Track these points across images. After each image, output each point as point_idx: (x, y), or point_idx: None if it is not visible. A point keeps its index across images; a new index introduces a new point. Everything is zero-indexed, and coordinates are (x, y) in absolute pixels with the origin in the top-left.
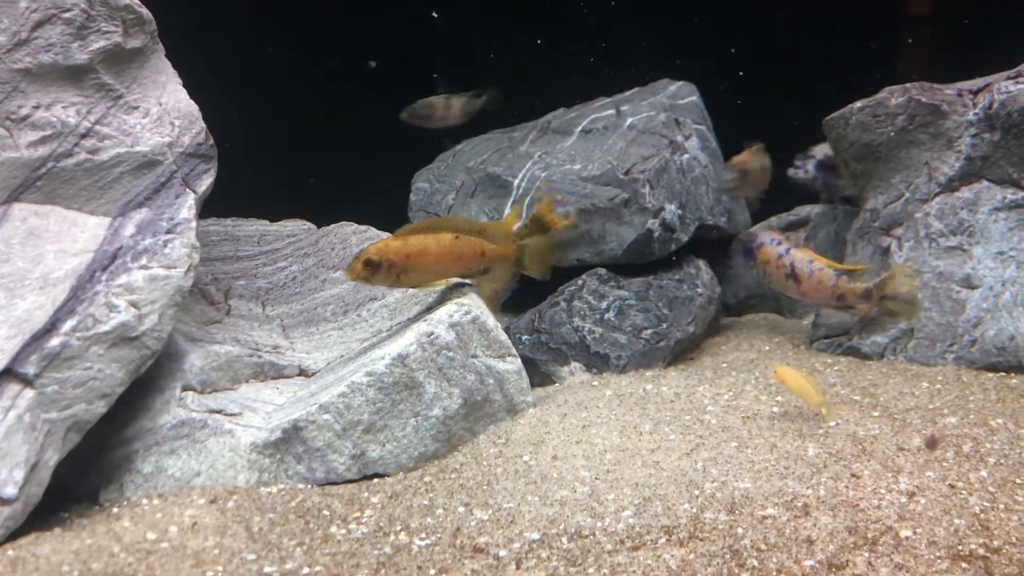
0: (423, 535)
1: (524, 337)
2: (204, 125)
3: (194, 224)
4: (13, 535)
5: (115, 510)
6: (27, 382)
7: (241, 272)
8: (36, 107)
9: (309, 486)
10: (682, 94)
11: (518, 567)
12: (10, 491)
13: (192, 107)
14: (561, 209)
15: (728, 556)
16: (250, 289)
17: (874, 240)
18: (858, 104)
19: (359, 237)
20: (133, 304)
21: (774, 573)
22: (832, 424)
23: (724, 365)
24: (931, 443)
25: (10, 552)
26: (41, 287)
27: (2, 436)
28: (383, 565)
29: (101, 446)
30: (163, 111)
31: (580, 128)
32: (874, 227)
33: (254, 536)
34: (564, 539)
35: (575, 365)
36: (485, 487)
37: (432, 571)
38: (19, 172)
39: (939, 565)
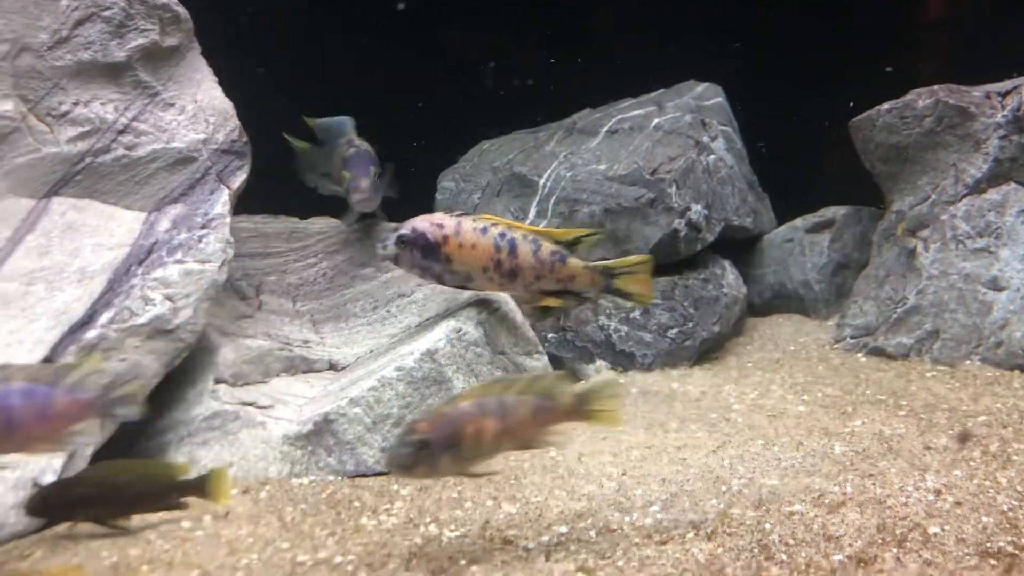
0: (452, 527)
1: (550, 335)
2: (238, 122)
3: (228, 219)
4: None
5: None
6: None
7: (272, 268)
8: (76, 103)
9: (339, 478)
10: (708, 95)
11: (547, 559)
12: (49, 478)
13: (227, 104)
14: None
15: (756, 550)
16: (281, 285)
17: (900, 242)
18: (885, 106)
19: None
20: (168, 297)
21: (803, 567)
22: (858, 423)
23: (749, 364)
24: (962, 438)
25: (48, 534)
26: (79, 280)
27: None
28: (414, 555)
29: (136, 436)
30: (198, 108)
31: (606, 128)
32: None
33: (287, 525)
34: (592, 533)
35: (600, 363)
36: (512, 481)
37: (463, 562)
38: (59, 167)
39: (968, 562)
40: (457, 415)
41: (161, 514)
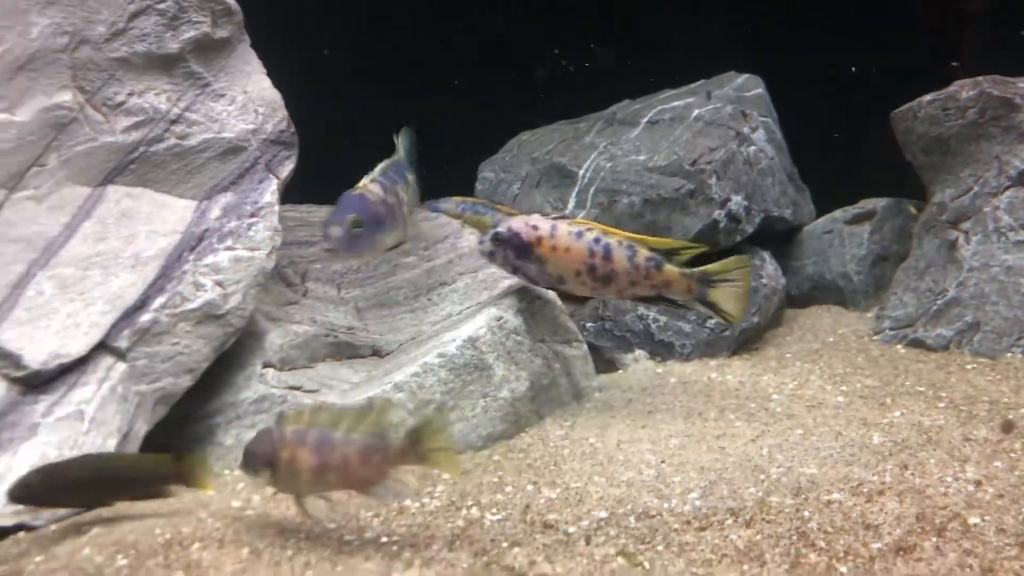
0: (494, 510)
1: (589, 324)
2: (286, 113)
3: (276, 208)
4: None
5: None
6: (120, 355)
7: (317, 256)
8: (130, 94)
9: None
10: (748, 87)
11: (587, 543)
12: None
13: (275, 95)
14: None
15: (795, 537)
16: (326, 272)
17: (940, 234)
18: (927, 97)
19: (430, 224)
20: (219, 283)
21: (841, 554)
22: (897, 414)
23: (788, 355)
24: (1007, 427)
25: (105, 514)
26: (133, 265)
27: (97, 406)
28: (457, 537)
29: (185, 419)
30: (248, 99)
31: (646, 119)
32: (941, 220)
33: (333, 506)
34: (632, 518)
35: (639, 352)
36: (552, 467)
37: (504, 544)
38: (114, 156)
39: (1008, 552)
40: (272, 439)
41: (212, 492)
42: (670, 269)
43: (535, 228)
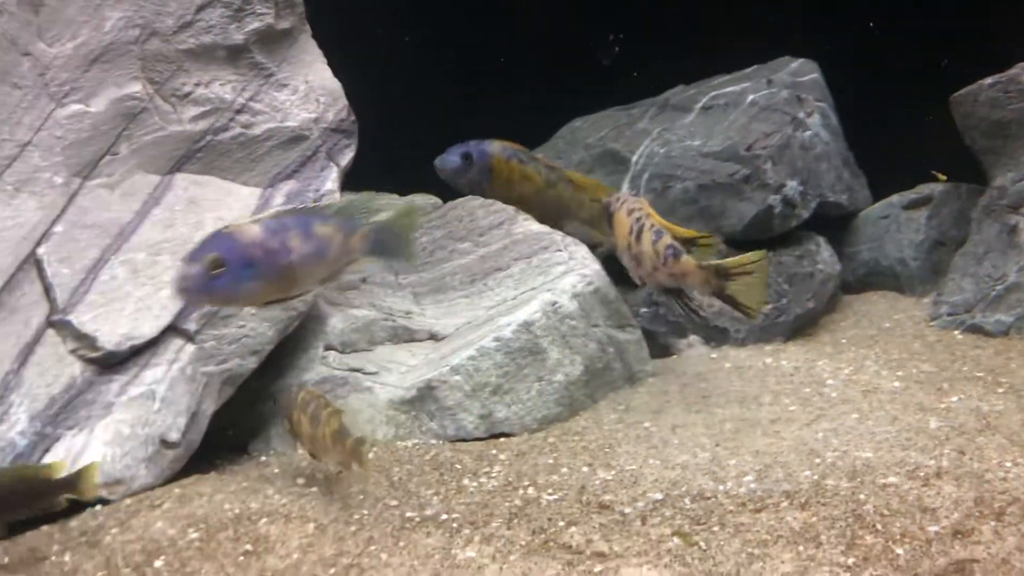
0: (550, 491)
1: (643, 310)
2: (347, 102)
3: (337, 196)
4: (176, 476)
5: (263, 459)
6: (189, 337)
7: None
8: (197, 84)
9: (441, 442)
10: (804, 71)
11: (643, 523)
12: (174, 436)
13: (336, 85)
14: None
15: (851, 520)
16: None
17: (1001, 219)
18: (988, 81)
19: (485, 210)
20: None
21: (898, 537)
22: (954, 399)
23: (843, 341)
24: None
25: (177, 490)
26: None
27: (168, 386)
28: (515, 515)
29: (251, 400)
30: (310, 88)
31: (700, 105)
32: (1001, 205)
33: (394, 484)
34: (687, 500)
35: (693, 338)
36: (607, 450)
37: (561, 523)
38: (182, 145)
39: None
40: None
41: (277, 470)
42: (687, 260)
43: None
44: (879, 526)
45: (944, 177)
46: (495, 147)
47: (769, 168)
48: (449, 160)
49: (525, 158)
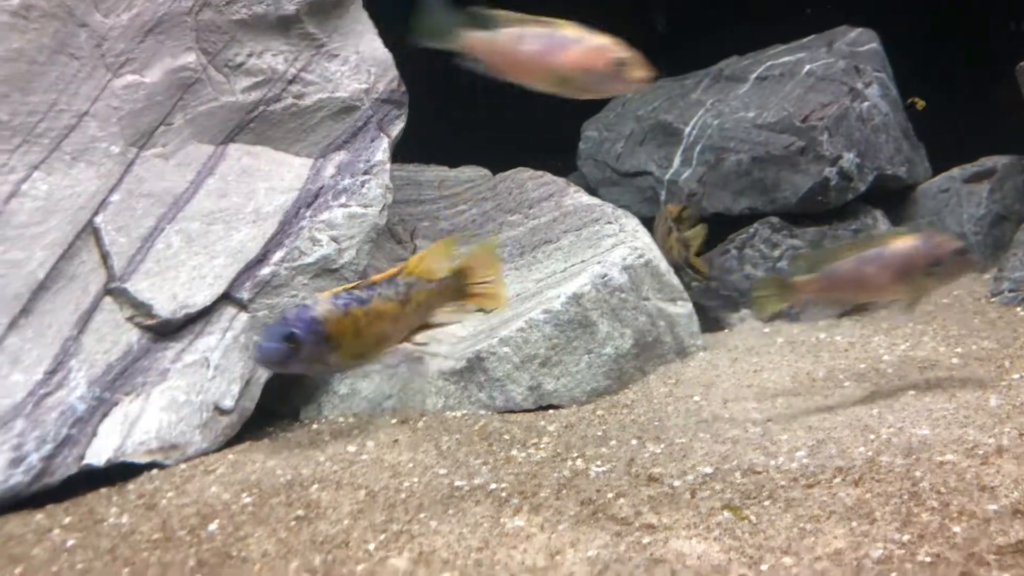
0: (599, 463)
1: (694, 284)
2: (397, 72)
3: (388, 166)
4: (229, 443)
5: (315, 426)
6: (242, 306)
7: (424, 214)
8: (250, 55)
9: (489, 412)
10: (862, 41)
11: (693, 496)
12: (228, 403)
13: (386, 55)
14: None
15: (906, 497)
16: (433, 230)
17: None
18: None
19: (535, 182)
20: (334, 239)
21: (955, 515)
22: (1016, 377)
23: (900, 316)
24: None
25: (231, 456)
26: (253, 221)
27: (221, 354)
28: (563, 486)
29: None
30: (360, 59)
31: (755, 75)
32: None
33: (443, 454)
34: (737, 474)
35: (745, 312)
36: (656, 423)
37: (610, 495)
38: (235, 115)
39: None
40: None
41: (328, 437)
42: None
43: None
44: (935, 504)
45: (922, 103)
46: (321, 309)
47: (825, 140)
48: (267, 349)
49: (365, 295)
